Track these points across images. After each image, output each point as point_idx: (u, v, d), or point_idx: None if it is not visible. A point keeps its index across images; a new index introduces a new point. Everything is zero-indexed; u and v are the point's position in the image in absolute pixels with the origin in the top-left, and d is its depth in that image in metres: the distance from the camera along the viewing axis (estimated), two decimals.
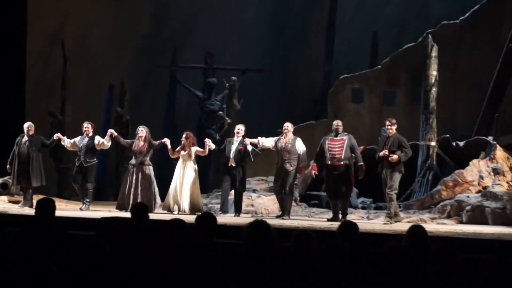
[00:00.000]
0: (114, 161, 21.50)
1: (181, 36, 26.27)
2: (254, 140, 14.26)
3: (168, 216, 10.78)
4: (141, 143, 14.62)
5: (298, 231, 6.06)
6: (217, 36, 26.20)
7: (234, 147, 14.33)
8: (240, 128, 14.46)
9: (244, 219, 13.39)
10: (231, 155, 14.29)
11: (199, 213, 7.38)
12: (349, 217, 13.82)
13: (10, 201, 15.27)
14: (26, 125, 14.97)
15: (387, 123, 13.26)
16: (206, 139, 14.79)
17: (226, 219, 12.65)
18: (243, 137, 14.36)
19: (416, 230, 6.23)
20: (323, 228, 11.54)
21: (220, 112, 20.88)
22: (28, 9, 21.38)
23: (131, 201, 14.16)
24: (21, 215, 12.86)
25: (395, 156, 12.91)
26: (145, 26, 26.26)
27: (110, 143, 14.83)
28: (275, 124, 22.24)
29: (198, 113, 23.02)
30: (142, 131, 14.71)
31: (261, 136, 14.41)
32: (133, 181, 14.47)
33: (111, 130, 14.93)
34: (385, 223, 12.89)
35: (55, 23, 23.98)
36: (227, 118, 20.35)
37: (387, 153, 12.96)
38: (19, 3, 20.84)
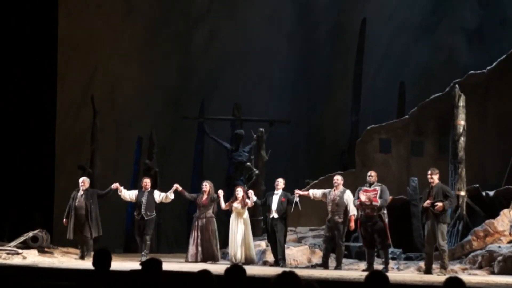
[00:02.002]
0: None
1: (208, 87, 26.51)
2: (305, 193, 14.82)
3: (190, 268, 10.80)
4: (205, 196, 15.46)
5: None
6: (244, 88, 26.40)
7: (276, 199, 14.90)
8: (279, 181, 15.09)
9: (273, 270, 13.36)
10: (273, 207, 14.87)
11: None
12: (377, 267, 13.76)
13: (40, 255, 15.37)
14: (81, 180, 15.80)
15: (429, 173, 13.35)
16: (250, 190, 15.36)
17: (256, 270, 12.62)
18: (283, 189, 14.98)
19: (455, 282, 6.12)
20: (353, 280, 11.47)
21: (248, 163, 20.94)
22: (59, 64, 21.76)
23: (198, 253, 15.20)
24: (55, 269, 12.93)
25: (440, 204, 12.98)
26: (172, 78, 26.55)
27: (173, 196, 15.52)
28: (303, 175, 22.29)
29: (226, 164, 23.10)
30: (206, 185, 15.56)
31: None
32: (198, 234, 15.32)
33: (176, 185, 15.52)
34: (438, 275, 12.87)
35: (85, 77, 24.34)
36: (255, 169, 20.40)
37: (429, 203, 13.00)
38: (50, 58, 21.20)
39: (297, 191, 14.80)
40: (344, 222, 14.30)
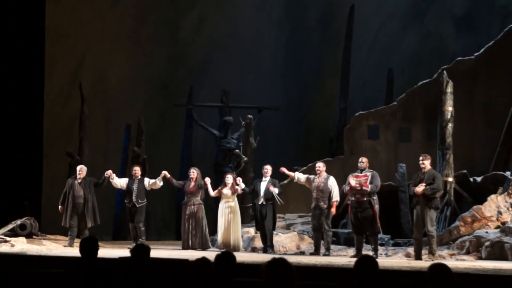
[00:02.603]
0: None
1: (197, 75, 26.46)
2: (291, 174, 14.86)
3: (176, 255, 10.81)
4: (192, 183, 15.47)
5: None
6: (233, 75, 26.37)
7: (264, 186, 14.96)
8: (267, 168, 15.13)
9: (261, 256, 13.39)
10: (261, 194, 14.92)
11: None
12: (365, 253, 13.80)
13: (28, 243, 15.35)
14: (78, 168, 15.85)
15: (421, 158, 13.37)
16: (238, 178, 15.41)
17: (245, 257, 12.65)
18: (271, 176, 15.04)
19: (439, 268, 6.14)
20: (341, 266, 11.50)
21: (237, 150, 20.95)
22: (46, 51, 21.66)
23: (189, 240, 15.27)
24: (42, 256, 12.91)
25: (419, 189, 12.98)
26: (161, 65, 26.49)
27: (161, 183, 15.64)
28: (292, 162, 22.30)
29: (215, 151, 23.09)
30: (193, 172, 15.58)
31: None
32: (185, 221, 15.40)
33: (164, 172, 15.58)
34: (426, 260, 12.90)
35: (73, 64, 24.27)
36: (243, 156, 20.40)
37: (420, 190, 13.01)
38: (37, 45, 21.10)
39: (283, 169, 14.78)
40: (329, 208, 14.34)
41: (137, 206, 15.47)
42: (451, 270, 6.16)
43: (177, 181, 16.02)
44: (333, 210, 14.42)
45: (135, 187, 15.49)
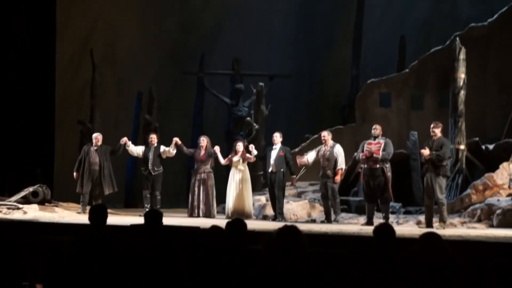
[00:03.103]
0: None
1: (208, 42, 26.37)
2: (304, 160, 14.81)
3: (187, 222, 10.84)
4: (202, 151, 15.49)
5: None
6: (244, 42, 26.26)
7: (274, 154, 14.94)
8: (276, 135, 15.10)
9: (272, 224, 13.42)
10: (272, 161, 14.89)
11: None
12: (376, 221, 13.81)
13: (40, 210, 15.43)
14: (94, 135, 15.91)
15: (432, 126, 13.30)
16: (251, 145, 15.40)
17: (255, 224, 12.68)
18: (282, 143, 15.01)
19: (430, 237, 6.18)
20: (352, 234, 11.52)
21: (248, 118, 20.93)
22: (57, 18, 21.62)
23: (195, 208, 15.30)
24: (54, 223, 12.99)
25: (425, 152, 12.94)
26: (172, 33, 26.40)
27: (175, 151, 15.68)
28: (303, 129, 22.29)
29: (226, 119, 23.09)
30: (204, 140, 15.63)
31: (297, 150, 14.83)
32: (195, 188, 15.43)
33: (176, 139, 15.61)
34: (437, 228, 12.89)
35: (84, 31, 24.21)
36: (255, 124, 20.39)
37: (426, 153, 12.95)
38: (48, 12, 21.05)
39: (298, 159, 14.77)
40: (334, 175, 14.36)
41: (153, 173, 15.56)
42: (441, 238, 6.20)
43: (187, 148, 16.03)
44: (338, 178, 14.39)
45: (151, 154, 15.56)
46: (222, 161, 15.53)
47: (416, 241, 6.08)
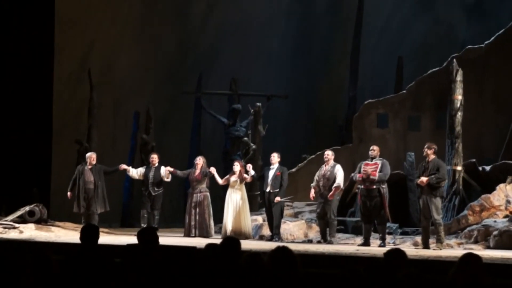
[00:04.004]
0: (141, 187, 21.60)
1: (206, 62, 26.42)
2: (314, 190, 14.66)
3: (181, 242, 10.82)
4: (198, 171, 15.47)
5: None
6: (242, 62, 26.32)
7: (271, 174, 14.98)
8: (273, 155, 15.13)
9: (268, 244, 13.40)
10: (269, 181, 14.94)
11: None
12: (373, 242, 13.81)
13: (37, 229, 15.40)
14: (88, 154, 16.04)
15: (425, 147, 13.34)
16: (249, 165, 15.37)
17: (252, 244, 12.65)
18: (280, 163, 15.05)
19: (394, 253, 6.11)
20: (349, 254, 11.50)
21: (245, 138, 20.93)
22: (56, 37, 21.65)
23: (191, 228, 15.27)
24: (50, 243, 12.96)
25: (424, 179, 12.98)
26: (170, 52, 26.45)
27: (170, 178, 15.82)
28: (300, 150, 22.30)
29: (223, 139, 23.08)
30: (200, 160, 15.62)
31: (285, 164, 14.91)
32: (192, 209, 15.38)
33: (167, 168, 15.65)
34: (434, 249, 12.89)
35: (82, 50, 24.25)
36: (252, 144, 20.39)
37: (424, 180, 13.00)
38: (47, 31, 21.10)
39: (312, 194, 14.71)
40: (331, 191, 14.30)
41: (153, 194, 15.56)
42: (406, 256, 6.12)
43: (181, 171, 16.02)
44: (331, 194, 14.31)
45: (151, 175, 15.60)
46: (220, 181, 15.51)
47: (413, 263, 6.04)
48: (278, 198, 14.91)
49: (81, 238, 6.82)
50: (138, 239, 6.87)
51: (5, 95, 20.41)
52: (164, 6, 26.57)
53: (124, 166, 15.81)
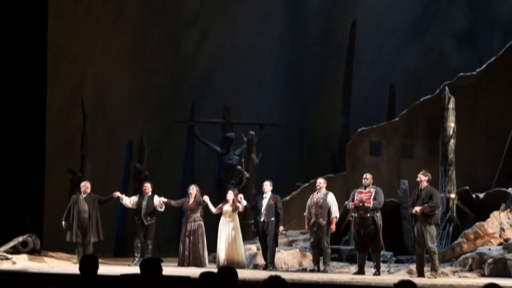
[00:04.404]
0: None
1: (199, 91, 26.49)
2: (307, 221, 14.57)
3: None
4: (192, 200, 15.42)
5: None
6: (235, 91, 26.40)
7: (265, 203, 14.94)
8: (266, 184, 15.08)
9: (263, 273, 13.34)
10: (263, 210, 14.89)
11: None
12: (367, 270, 13.78)
13: (30, 260, 15.31)
14: (82, 183, 15.99)
15: (419, 174, 13.35)
16: (240, 195, 15.31)
17: (246, 274, 12.60)
18: (273, 191, 15.01)
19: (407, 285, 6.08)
20: (343, 283, 11.46)
21: (239, 167, 20.93)
22: (48, 67, 21.68)
23: (185, 257, 15.20)
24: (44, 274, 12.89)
25: (418, 209, 12.99)
26: (163, 81, 26.52)
27: (163, 208, 15.70)
28: (293, 178, 22.29)
29: (217, 167, 23.08)
30: (193, 188, 15.51)
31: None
32: (186, 238, 15.32)
33: (161, 199, 15.55)
34: (429, 277, 12.86)
35: (75, 80, 24.30)
36: (245, 173, 20.38)
37: (418, 209, 13.00)
38: (40, 61, 21.13)
39: (307, 226, 14.68)
40: (328, 224, 14.28)
41: (146, 223, 15.50)
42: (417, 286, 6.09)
43: (175, 201, 15.98)
44: (333, 226, 14.35)
45: (144, 204, 15.53)
46: (213, 210, 15.47)
47: None
48: (281, 228, 14.95)
49: (80, 269, 6.77)
50: (141, 269, 6.85)
51: None
52: (157, 35, 26.69)
53: (117, 194, 15.76)
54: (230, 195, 15.38)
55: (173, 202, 15.82)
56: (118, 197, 15.72)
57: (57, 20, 24.20)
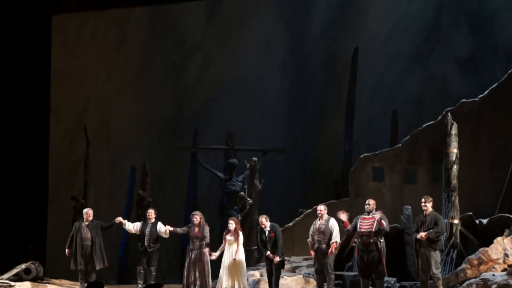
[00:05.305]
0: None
1: (201, 117, 26.56)
2: (310, 246, 14.54)
3: None
4: (196, 228, 15.31)
5: None
6: (238, 117, 26.45)
7: (267, 235, 14.86)
8: (262, 220, 14.95)
9: None
10: (267, 244, 14.79)
11: None
12: None
13: (33, 287, 15.30)
14: (85, 211, 15.84)
15: (423, 201, 13.36)
16: (213, 254, 15.31)
17: None
18: (271, 225, 14.90)
19: None
20: None
21: (242, 193, 20.90)
22: (52, 94, 21.81)
23: (191, 284, 15.09)
24: None
25: (423, 234, 12.97)
26: (166, 108, 26.60)
27: (168, 235, 15.69)
28: (297, 204, 22.28)
29: (220, 194, 23.07)
30: (196, 218, 15.38)
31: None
32: (191, 265, 15.22)
33: (168, 228, 15.53)
34: None
35: (78, 108, 24.40)
36: (248, 199, 20.35)
37: (423, 235, 12.98)
38: (43, 88, 21.25)
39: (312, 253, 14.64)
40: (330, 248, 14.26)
41: (149, 250, 15.49)
42: None
43: (181, 228, 15.97)
44: (331, 250, 14.29)
45: (147, 230, 15.51)
46: (217, 253, 15.43)
47: None
48: (277, 259, 14.84)
49: None
50: None
51: (2, 152, 20.45)
52: (160, 62, 26.82)
53: (120, 219, 15.71)
54: (231, 225, 15.35)
55: (179, 230, 15.81)
56: (121, 222, 15.70)
57: (60, 48, 24.36)
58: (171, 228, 15.59)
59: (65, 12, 24.60)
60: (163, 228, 15.54)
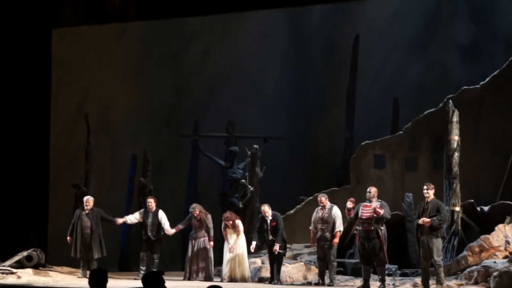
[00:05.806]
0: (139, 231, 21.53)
1: (202, 105, 26.53)
2: (312, 236, 14.68)
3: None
4: (197, 222, 15.60)
5: None
6: (238, 105, 26.42)
7: (269, 224, 15.01)
8: (265, 209, 15.07)
9: (270, 287, 13.35)
10: (269, 231, 14.96)
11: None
12: (373, 284, 13.77)
13: (35, 274, 15.33)
14: (85, 198, 16.00)
15: (425, 188, 13.37)
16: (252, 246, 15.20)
17: (250, 287, 12.60)
18: (273, 214, 15.05)
19: None
20: None
21: (243, 180, 20.93)
22: (52, 83, 21.79)
23: (192, 272, 15.31)
24: None
25: (426, 220, 12.98)
26: (166, 96, 26.57)
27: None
28: (297, 191, 22.28)
29: (221, 181, 23.08)
30: (196, 210, 15.62)
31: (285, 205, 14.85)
32: (194, 252, 15.46)
33: (172, 231, 15.75)
34: None
35: (78, 96, 24.38)
36: (249, 186, 20.38)
37: (426, 220, 13.00)
38: (43, 77, 21.23)
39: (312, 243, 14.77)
40: (333, 238, 14.32)
41: (153, 239, 15.53)
42: None
43: (182, 223, 16.04)
44: (336, 240, 14.38)
45: (149, 221, 15.60)
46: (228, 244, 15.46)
47: None
48: (276, 248, 14.87)
49: (89, 283, 6.80)
50: (144, 283, 6.85)
51: (3, 140, 20.45)
52: (160, 50, 26.77)
53: (120, 221, 15.80)
54: (226, 221, 15.42)
55: (181, 226, 15.93)
56: (123, 222, 15.81)
57: (61, 36, 24.31)
58: (173, 231, 15.68)
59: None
60: (166, 225, 15.53)
